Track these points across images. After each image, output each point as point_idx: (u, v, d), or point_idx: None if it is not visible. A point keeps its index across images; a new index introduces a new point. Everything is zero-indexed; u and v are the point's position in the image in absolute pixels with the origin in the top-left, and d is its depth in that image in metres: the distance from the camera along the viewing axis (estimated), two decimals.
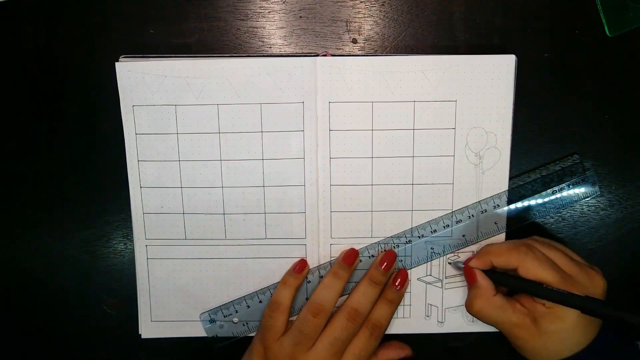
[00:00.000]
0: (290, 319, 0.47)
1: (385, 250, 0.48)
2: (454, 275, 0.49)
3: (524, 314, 0.43)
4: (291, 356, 0.44)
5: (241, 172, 0.47)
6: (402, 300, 0.49)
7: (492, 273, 0.45)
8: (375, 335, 0.45)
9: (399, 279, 0.47)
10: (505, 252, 0.43)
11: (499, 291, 0.45)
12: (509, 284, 0.44)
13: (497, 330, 0.46)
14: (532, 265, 0.42)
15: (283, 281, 0.48)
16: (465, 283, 0.47)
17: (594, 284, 0.42)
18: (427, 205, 0.48)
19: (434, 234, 0.48)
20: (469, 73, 0.46)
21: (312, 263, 0.49)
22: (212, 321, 0.49)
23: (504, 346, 0.48)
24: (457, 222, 0.48)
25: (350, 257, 0.47)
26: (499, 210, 0.48)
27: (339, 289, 0.46)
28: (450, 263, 0.48)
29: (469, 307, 0.45)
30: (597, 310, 0.40)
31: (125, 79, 0.46)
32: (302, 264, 0.48)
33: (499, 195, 0.48)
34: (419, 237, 0.48)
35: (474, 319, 0.49)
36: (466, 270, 0.46)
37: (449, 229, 0.48)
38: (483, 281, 0.44)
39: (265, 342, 0.45)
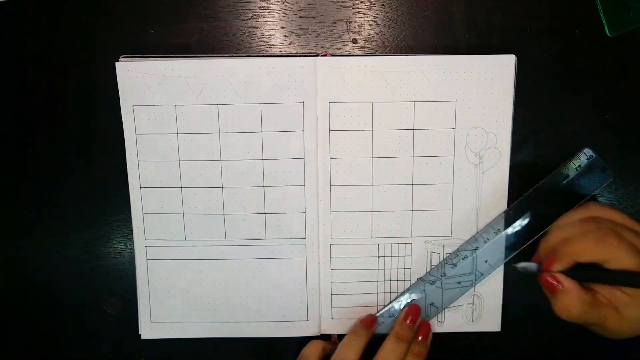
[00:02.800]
0: None
1: (408, 305, 0.48)
2: (454, 276, 0.49)
3: (608, 305, 0.40)
4: None
5: (241, 172, 0.47)
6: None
7: (571, 270, 0.41)
8: None
9: (422, 332, 0.47)
10: (593, 249, 0.39)
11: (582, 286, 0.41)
12: (595, 279, 0.40)
13: (496, 330, 0.46)
14: (621, 256, 0.38)
15: (314, 342, 0.48)
16: (464, 284, 0.47)
17: None
18: (427, 205, 0.48)
19: (453, 268, 0.48)
20: (469, 73, 0.46)
21: (312, 263, 0.49)
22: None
23: (504, 346, 0.48)
24: (474, 249, 0.48)
25: (368, 321, 0.48)
26: (508, 231, 0.47)
27: (360, 347, 0.46)
28: (517, 266, 0.44)
29: (568, 315, 0.40)
30: None
31: (125, 79, 0.46)
32: (369, 319, 0.48)
33: (500, 218, 0.47)
34: (442, 276, 0.48)
35: (474, 318, 0.49)
36: (546, 278, 0.41)
37: (468, 259, 0.48)
38: (570, 284, 0.40)
39: None
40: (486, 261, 0.47)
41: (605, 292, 0.40)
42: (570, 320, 0.40)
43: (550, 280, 0.41)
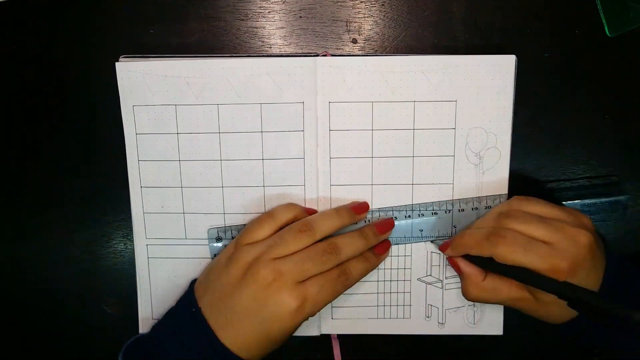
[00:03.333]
0: None
1: (386, 218, 0.48)
2: (455, 276, 0.49)
3: (521, 287, 0.42)
4: (257, 257, 0.42)
5: (241, 172, 0.47)
6: (403, 300, 0.49)
7: (476, 258, 0.44)
8: (342, 280, 0.43)
9: (381, 247, 0.47)
10: (476, 245, 0.43)
11: (487, 272, 0.44)
12: (491, 269, 0.43)
13: (498, 334, 0.46)
14: (505, 252, 0.40)
15: (290, 203, 0.47)
16: None
17: (581, 222, 0.41)
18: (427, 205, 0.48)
19: (434, 215, 0.48)
20: (469, 73, 0.46)
21: None
22: (219, 239, 0.48)
23: (505, 348, 0.48)
24: (460, 210, 0.48)
25: (360, 208, 0.47)
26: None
27: (336, 224, 0.45)
28: (432, 242, 0.48)
29: (465, 295, 0.45)
30: (573, 298, 0.38)
31: (125, 79, 0.46)
32: (313, 211, 0.47)
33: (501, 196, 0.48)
34: (420, 214, 0.48)
35: (475, 321, 0.49)
36: (449, 260, 0.46)
37: (449, 214, 0.48)
38: (468, 269, 0.44)
39: (239, 242, 0.44)
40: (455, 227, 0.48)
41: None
42: (472, 301, 0.45)
43: (453, 263, 0.45)
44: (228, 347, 0.41)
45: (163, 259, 0.49)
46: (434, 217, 0.48)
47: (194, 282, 0.46)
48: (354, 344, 0.50)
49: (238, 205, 0.48)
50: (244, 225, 0.47)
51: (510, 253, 0.40)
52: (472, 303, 0.49)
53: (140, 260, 0.49)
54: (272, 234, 0.44)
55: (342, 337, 0.50)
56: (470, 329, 0.50)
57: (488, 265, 0.43)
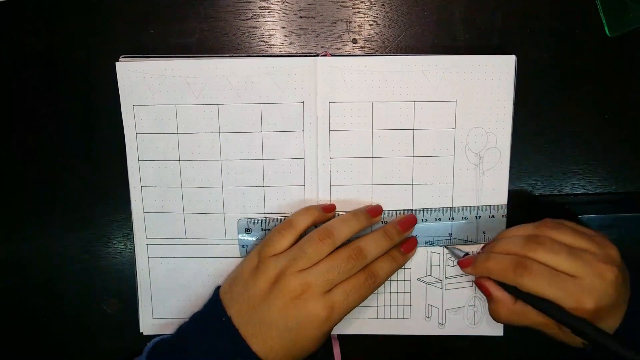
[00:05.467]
0: None
1: (408, 214, 0.48)
2: (455, 276, 0.49)
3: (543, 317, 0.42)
4: (282, 270, 0.42)
5: (241, 172, 0.47)
6: (403, 300, 0.49)
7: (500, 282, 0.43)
8: (369, 283, 0.43)
9: (408, 245, 0.47)
10: (501, 274, 0.42)
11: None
12: (515, 294, 0.42)
13: (499, 334, 0.46)
14: (530, 284, 0.40)
15: (307, 208, 0.47)
16: (465, 284, 0.47)
17: (608, 255, 0.41)
18: (427, 205, 0.48)
19: (451, 221, 0.48)
20: (469, 73, 0.46)
21: None
22: (248, 230, 0.48)
23: (505, 349, 0.48)
24: (477, 217, 0.48)
25: (375, 210, 0.47)
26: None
27: (354, 228, 0.45)
28: (446, 247, 0.48)
29: (495, 317, 0.44)
30: (587, 334, 0.39)
31: (125, 79, 0.46)
32: (332, 208, 0.47)
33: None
34: (436, 219, 0.48)
35: (475, 321, 0.49)
36: (477, 282, 0.44)
37: (466, 221, 0.48)
38: (498, 293, 0.43)
39: (262, 254, 0.44)
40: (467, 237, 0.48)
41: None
42: (503, 323, 0.44)
43: (482, 285, 0.43)
44: (258, 355, 0.42)
45: (163, 258, 0.49)
46: (463, 222, 0.48)
47: (218, 288, 0.46)
48: (354, 344, 0.50)
49: (238, 205, 0.48)
50: (274, 219, 0.47)
51: (535, 286, 0.40)
52: (472, 303, 0.49)
53: (140, 260, 0.49)
54: (293, 243, 0.44)
55: (342, 337, 0.50)
56: (471, 329, 0.50)
57: (513, 290, 0.42)
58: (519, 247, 0.42)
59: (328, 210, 0.46)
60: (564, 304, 0.39)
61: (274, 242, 0.44)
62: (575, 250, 0.41)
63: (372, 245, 0.44)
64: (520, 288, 0.41)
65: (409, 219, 0.47)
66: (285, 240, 0.44)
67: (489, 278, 0.43)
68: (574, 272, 0.40)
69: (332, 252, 0.43)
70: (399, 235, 0.46)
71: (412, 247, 0.47)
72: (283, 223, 0.45)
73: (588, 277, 0.39)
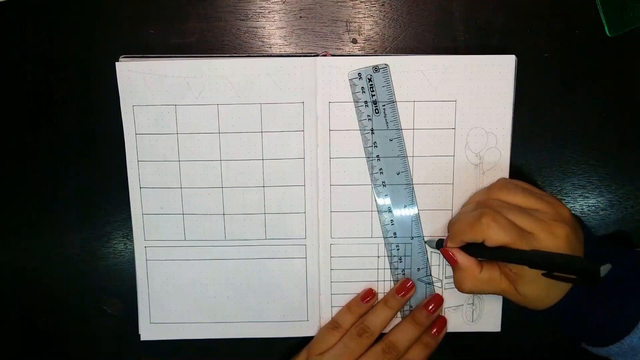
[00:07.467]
0: None
1: (433, 294, 0.49)
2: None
3: (507, 280, 0.43)
4: None
5: (241, 172, 0.47)
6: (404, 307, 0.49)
7: (468, 247, 0.43)
8: None
9: (439, 326, 0.49)
10: (469, 230, 0.42)
11: (482, 263, 0.44)
12: (483, 255, 0.43)
13: (496, 330, 0.46)
14: (494, 234, 0.40)
15: (348, 306, 0.49)
16: None
17: (559, 214, 0.42)
18: (427, 205, 0.48)
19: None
20: (469, 73, 0.46)
21: (312, 263, 0.49)
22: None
23: (504, 346, 0.48)
24: None
25: (404, 288, 0.48)
26: None
27: (388, 316, 0.48)
28: (426, 242, 0.48)
29: (459, 287, 0.44)
30: (545, 262, 0.39)
31: (125, 79, 0.46)
32: (369, 294, 0.49)
33: None
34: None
35: (474, 319, 0.49)
36: (444, 253, 0.45)
37: None
38: (466, 261, 0.43)
39: (311, 351, 0.48)
40: None
41: (503, 268, 0.43)
42: (466, 293, 0.44)
43: (448, 254, 0.44)
44: None
45: (162, 261, 0.49)
46: None
47: None
48: None
49: (238, 206, 0.48)
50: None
51: (498, 234, 0.40)
52: (471, 301, 0.49)
53: (139, 261, 0.49)
54: (339, 340, 0.48)
55: None
56: (469, 326, 0.50)
57: (479, 254, 0.43)
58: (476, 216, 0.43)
59: (365, 298, 0.49)
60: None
61: (322, 341, 0.48)
62: (526, 209, 0.42)
63: (402, 337, 0.47)
64: (487, 242, 0.41)
65: (435, 300, 0.48)
66: (333, 338, 0.48)
67: (457, 248, 0.44)
68: (527, 229, 0.41)
69: (370, 346, 0.47)
70: (428, 320, 0.48)
71: (441, 328, 0.49)
72: (329, 323, 0.49)
73: (540, 233, 0.40)
